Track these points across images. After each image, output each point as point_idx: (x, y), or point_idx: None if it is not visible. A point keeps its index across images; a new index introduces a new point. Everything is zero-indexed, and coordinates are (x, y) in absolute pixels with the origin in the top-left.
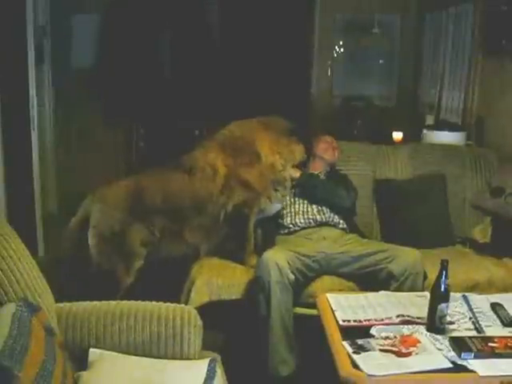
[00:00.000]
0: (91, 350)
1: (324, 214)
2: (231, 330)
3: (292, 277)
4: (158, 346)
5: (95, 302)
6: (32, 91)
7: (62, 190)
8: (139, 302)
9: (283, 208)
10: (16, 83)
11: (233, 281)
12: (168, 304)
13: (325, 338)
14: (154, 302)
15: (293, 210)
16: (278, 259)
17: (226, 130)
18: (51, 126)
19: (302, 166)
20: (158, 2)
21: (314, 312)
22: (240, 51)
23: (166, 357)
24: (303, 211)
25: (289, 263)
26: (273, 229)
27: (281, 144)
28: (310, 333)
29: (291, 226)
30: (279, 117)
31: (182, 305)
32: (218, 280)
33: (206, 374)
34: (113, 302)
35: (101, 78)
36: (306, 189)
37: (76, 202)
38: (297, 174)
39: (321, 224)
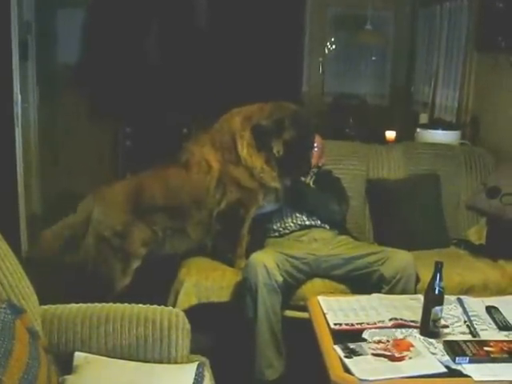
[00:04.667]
0: (76, 353)
1: (314, 219)
2: (220, 333)
3: (280, 279)
4: (144, 350)
5: (81, 304)
6: (16, 88)
7: (46, 189)
8: (126, 304)
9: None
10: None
11: (222, 283)
12: (155, 306)
13: (316, 341)
14: (140, 305)
15: (282, 214)
16: (266, 261)
17: (218, 124)
18: (35, 124)
19: None
20: None
21: (304, 315)
22: (229, 47)
23: (153, 360)
24: (293, 215)
25: (277, 265)
26: (261, 232)
27: (255, 147)
28: (300, 336)
29: (281, 229)
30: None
31: (170, 307)
32: (206, 282)
33: (194, 379)
34: (98, 305)
35: (86, 75)
36: (296, 200)
37: (61, 201)
38: (277, 185)
39: (311, 226)
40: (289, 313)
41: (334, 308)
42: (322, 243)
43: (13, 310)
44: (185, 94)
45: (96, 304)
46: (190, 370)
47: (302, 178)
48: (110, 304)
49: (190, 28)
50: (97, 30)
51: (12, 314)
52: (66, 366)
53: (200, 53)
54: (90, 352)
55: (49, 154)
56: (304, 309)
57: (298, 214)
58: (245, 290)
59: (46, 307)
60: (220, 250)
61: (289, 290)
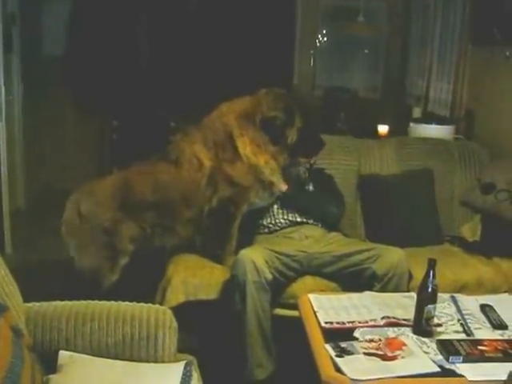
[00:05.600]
0: (61, 352)
1: (307, 217)
2: (208, 332)
3: (270, 276)
4: (130, 349)
5: (65, 302)
6: (0, 81)
7: (30, 185)
8: (112, 302)
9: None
10: None
11: (210, 280)
12: (142, 304)
13: (306, 340)
14: (127, 303)
15: (273, 210)
16: (255, 258)
17: (208, 120)
18: (20, 117)
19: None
20: None
21: (295, 313)
22: (217, 39)
23: (139, 359)
24: (283, 212)
25: (267, 262)
26: (251, 228)
27: (260, 143)
28: (291, 335)
29: (271, 225)
30: (261, 94)
31: (157, 305)
32: (194, 279)
33: (182, 378)
34: (84, 302)
35: (72, 68)
36: (293, 202)
37: (46, 197)
38: (284, 187)
39: (302, 223)
40: (279, 311)
41: (325, 306)
42: (312, 240)
43: None
44: (172, 86)
45: (81, 301)
46: (177, 369)
47: (299, 175)
48: (96, 301)
49: (178, 20)
50: (83, 22)
51: None
52: (50, 364)
53: (187, 45)
54: (75, 351)
55: (33, 148)
56: (294, 307)
57: (289, 211)
58: (233, 287)
59: (29, 305)
60: (209, 246)
61: (278, 288)
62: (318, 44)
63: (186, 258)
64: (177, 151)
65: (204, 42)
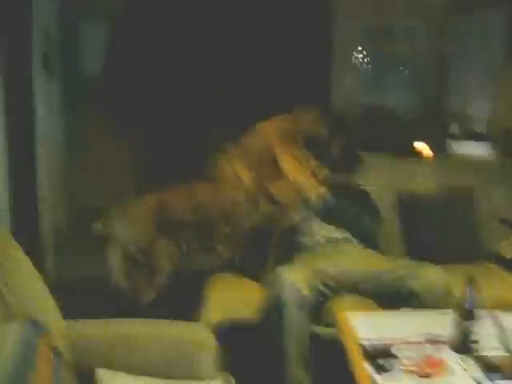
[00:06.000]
0: (98, 369)
1: (343, 232)
2: (246, 351)
3: (308, 295)
4: (169, 367)
5: (104, 320)
6: (36, 98)
7: (68, 205)
8: (151, 320)
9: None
10: (21, 91)
11: (249, 299)
12: (180, 322)
13: (345, 357)
14: (165, 320)
15: (311, 227)
16: (293, 276)
17: (248, 139)
18: (56, 136)
19: None
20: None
21: (332, 331)
22: (253, 60)
23: (178, 377)
24: (321, 229)
25: (305, 281)
26: (289, 246)
27: (303, 160)
28: (329, 353)
29: (309, 243)
30: (300, 112)
31: (195, 323)
32: (233, 298)
33: None
34: (122, 320)
35: (108, 88)
36: (331, 218)
37: (83, 217)
38: (323, 202)
39: (339, 240)
40: (317, 329)
41: (364, 323)
42: (350, 258)
43: (35, 328)
44: (207, 107)
45: (119, 319)
46: None
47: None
48: (134, 320)
49: (211, 43)
50: (119, 42)
51: (35, 332)
52: (87, 382)
53: (221, 64)
54: (112, 369)
55: (69, 168)
56: (332, 325)
57: (326, 227)
58: (271, 306)
59: (69, 322)
60: (248, 265)
61: (317, 306)
62: (355, 62)
63: (224, 277)
64: (216, 170)
65: (240, 61)
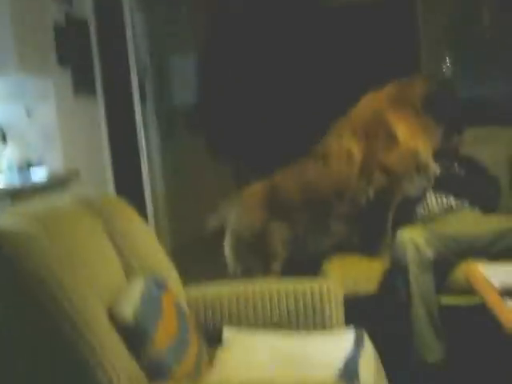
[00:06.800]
0: (225, 327)
1: (460, 200)
2: (370, 325)
3: (431, 255)
4: (297, 323)
5: (225, 283)
6: (139, 124)
7: (174, 229)
8: (272, 280)
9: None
10: (123, 120)
11: (368, 274)
12: (303, 279)
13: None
14: (287, 280)
15: (426, 198)
16: (415, 237)
17: (355, 111)
18: (159, 161)
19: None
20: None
21: (459, 301)
22: (341, 61)
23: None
24: (437, 199)
25: (427, 241)
26: (405, 220)
27: (419, 125)
28: (456, 323)
29: (425, 214)
30: (408, 79)
31: (319, 279)
32: (352, 273)
33: (354, 343)
34: (242, 283)
35: (203, 115)
36: (447, 186)
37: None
38: (438, 170)
39: (457, 208)
40: (442, 299)
41: (497, 272)
42: (471, 222)
43: (158, 285)
44: (302, 125)
45: (239, 283)
46: (347, 335)
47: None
48: (255, 283)
49: (304, 58)
50: (210, 70)
51: (157, 288)
52: (214, 342)
53: (310, 72)
54: (239, 326)
55: (174, 192)
56: (458, 293)
57: (443, 197)
58: (395, 270)
59: (189, 288)
60: (366, 242)
61: (440, 274)
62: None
63: (342, 257)
64: (324, 147)
65: (328, 67)
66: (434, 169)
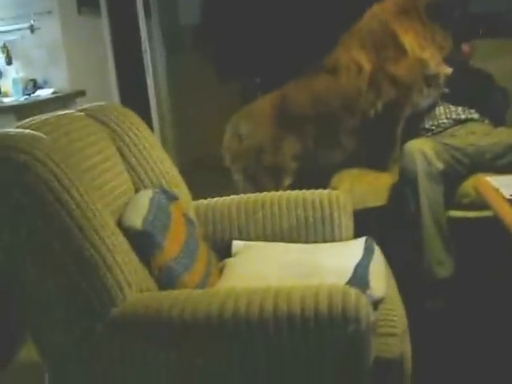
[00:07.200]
0: (234, 241)
1: (471, 112)
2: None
3: (441, 166)
4: (306, 232)
5: (232, 196)
6: (144, 38)
7: (180, 143)
8: (281, 191)
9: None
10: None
11: (377, 187)
12: (312, 190)
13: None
14: (296, 190)
15: (435, 111)
16: (424, 147)
17: (363, 23)
18: (164, 77)
19: None
20: None
21: (469, 215)
22: None
23: (316, 242)
24: (446, 111)
25: (436, 153)
26: (413, 134)
27: (427, 34)
28: (465, 238)
29: (434, 127)
30: None
31: (328, 189)
32: (360, 187)
33: (364, 251)
34: (252, 195)
35: (210, 31)
36: (454, 93)
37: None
38: (448, 70)
39: (467, 120)
40: (451, 213)
41: (507, 183)
42: (480, 135)
43: (166, 194)
44: (309, 40)
45: (248, 195)
46: (357, 244)
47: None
48: (264, 193)
49: None
50: None
51: (166, 198)
52: (223, 253)
53: None
54: (248, 239)
55: (179, 110)
56: (468, 207)
57: (452, 108)
58: (404, 181)
59: (197, 201)
60: (375, 156)
61: (449, 186)
62: None
63: (351, 171)
64: (333, 60)
65: None
66: (445, 71)
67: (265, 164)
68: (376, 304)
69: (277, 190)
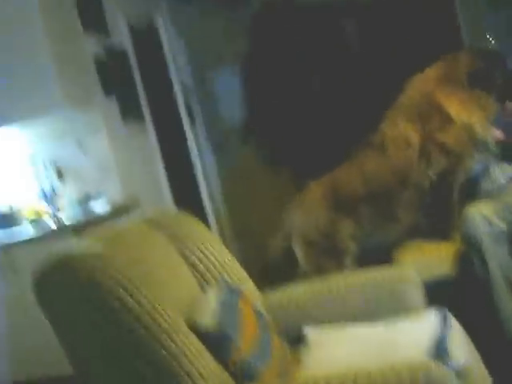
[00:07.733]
0: (305, 326)
1: None
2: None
3: (504, 226)
4: (376, 309)
5: (299, 285)
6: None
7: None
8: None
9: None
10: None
11: (441, 256)
12: (377, 267)
13: None
14: (363, 270)
15: (490, 172)
16: (484, 210)
17: (405, 96)
18: (216, 178)
19: None
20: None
21: None
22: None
23: (388, 318)
24: (502, 170)
25: (496, 213)
26: (471, 198)
27: (471, 100)
28: None
29: (491, 188)
30: (452, 55)
31: (393, 264)
32: (424, 258)
33: (440, 323)
34: (317, 279)
35: (253, 128)
36: (506, 152)
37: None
38: (497, 133)
39: None
40: None
41: None
42: None
43: (233, 291)
44: (354, 120)
45: (314, 281)
46: (431, 317)
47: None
48: (329, 278)
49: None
50: (255, 82)
51: (234, 295)
52: (294, 339)
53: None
54: (318, 323)
55: (234, 208)
56: None
57: (507, 167)
58: (468, 247)
59: (264, 293)
60: (434, 225)
61: None
62: None
63: (412, 244)
64: (380, 136)
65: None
66: (495, 136)
67: (324, 248)
68: (460, 373)
69: (340, 271)
